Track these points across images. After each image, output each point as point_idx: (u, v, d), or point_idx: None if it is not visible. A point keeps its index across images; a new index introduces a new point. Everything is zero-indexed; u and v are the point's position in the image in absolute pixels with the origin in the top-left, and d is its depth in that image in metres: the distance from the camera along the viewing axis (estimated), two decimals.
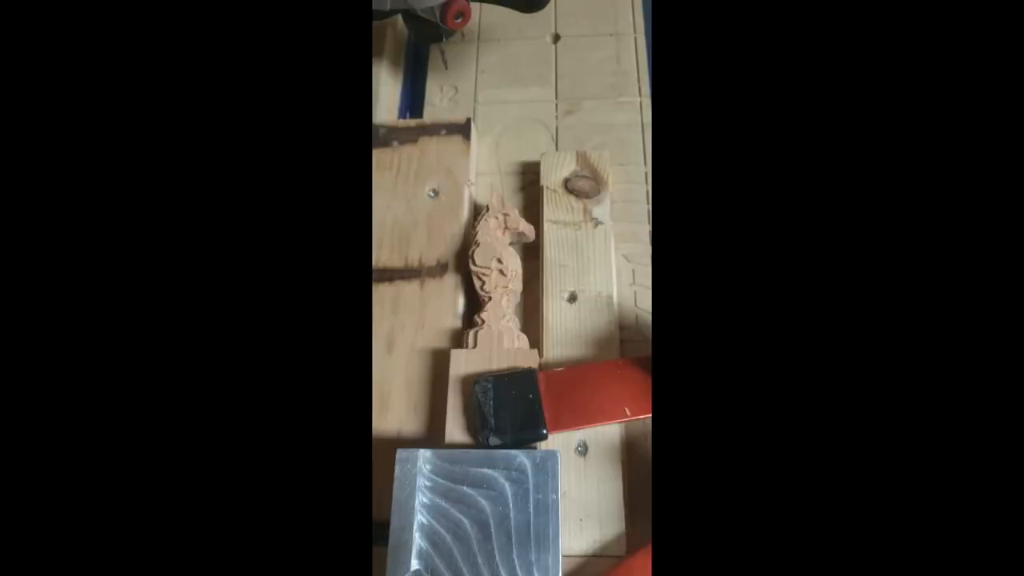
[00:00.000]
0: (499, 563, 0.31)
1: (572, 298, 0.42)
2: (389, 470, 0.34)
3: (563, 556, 0.34)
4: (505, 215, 0.43)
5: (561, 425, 0.35)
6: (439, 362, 0.41)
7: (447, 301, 0.43)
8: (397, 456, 0.33)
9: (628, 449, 0.39)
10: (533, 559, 0.31)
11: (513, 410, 0.35)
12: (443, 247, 0.44)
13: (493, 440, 0.34)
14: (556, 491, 0.32)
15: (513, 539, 0.32)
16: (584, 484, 0.37)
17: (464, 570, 0.31)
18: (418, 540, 0.32)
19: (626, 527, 0.36)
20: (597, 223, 0.44)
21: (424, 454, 0.33)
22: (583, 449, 0.38)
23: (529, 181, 0.49)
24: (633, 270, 0.45)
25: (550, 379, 0.36)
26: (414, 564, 0.32)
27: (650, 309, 0.43)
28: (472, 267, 0.41)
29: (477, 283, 0.41)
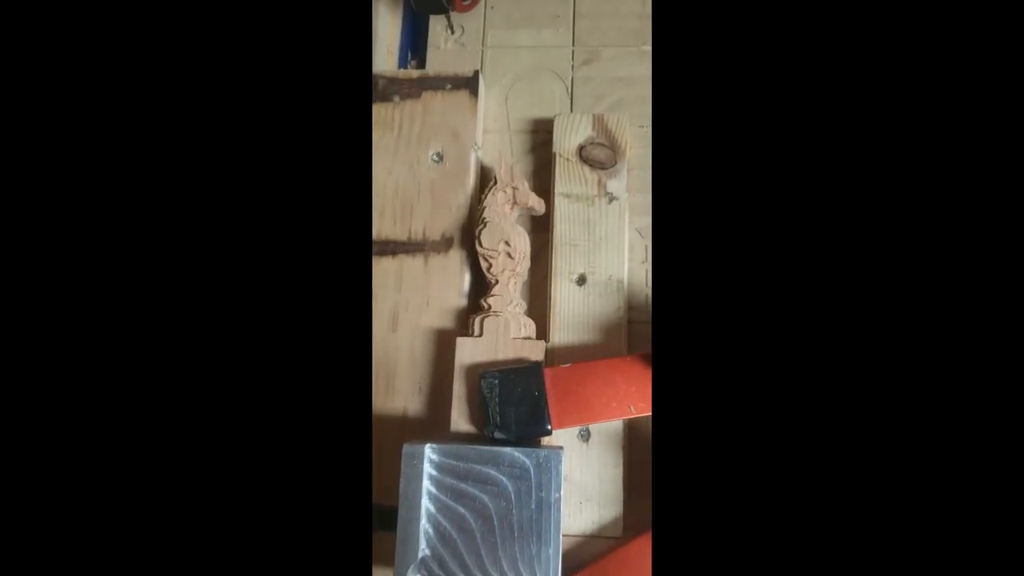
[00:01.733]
0: (501, 555, 0.33)
1: (581, 280, 0.41)
2: (396, 451, 0.34)
3: (562, 536, 0.35)
4: (514, 189, 0.41)
5: (566, 422, 0.35)
6: (444, 343, 0.40)
7: (452, 279, 0.41)
8: (403, 451, 0.34)
9: (629, 433, 0.39)
10: (534, 552, 0.33)
11: (518, 406, 0.35)
12: (448, 219, 0.42)
13: (498, 435, 0.35)
14: (559, 489, 0.33)
15: (515, 533, 0.33)
16: (586, 468, 0.38)
17: (468, 560, 0.33)
18: (425, 532, 0.33)
19: (624, 508, 0.38)
20: (612, 198, 0.41)
21: (429, 450, 0.34)
22: (586, 434, 0.39)
23: (540, 141, 0.46)
24: (647, 247, 0.43)
25: (556, 375, 0.36)
26: (421, 553, 0.33)
27: None
28: (478, 248, 0.39)
29: (483, 264, 0.40)
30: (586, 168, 0.42)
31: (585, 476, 0.38)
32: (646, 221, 0.44)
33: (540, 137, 0.46)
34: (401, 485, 0.34)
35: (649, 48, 0.47)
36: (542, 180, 0.45)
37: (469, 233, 0.42)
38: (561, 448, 0.34)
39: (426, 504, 0.34)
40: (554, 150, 0.43)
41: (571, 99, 0.47)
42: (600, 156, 0.42)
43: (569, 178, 0.42)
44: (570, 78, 0.47)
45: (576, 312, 0.40)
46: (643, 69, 0.46)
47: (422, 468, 0.34)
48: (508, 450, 0.34)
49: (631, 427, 0.39)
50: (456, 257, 0.42)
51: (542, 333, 0.41)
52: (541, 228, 0.44)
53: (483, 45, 0.48)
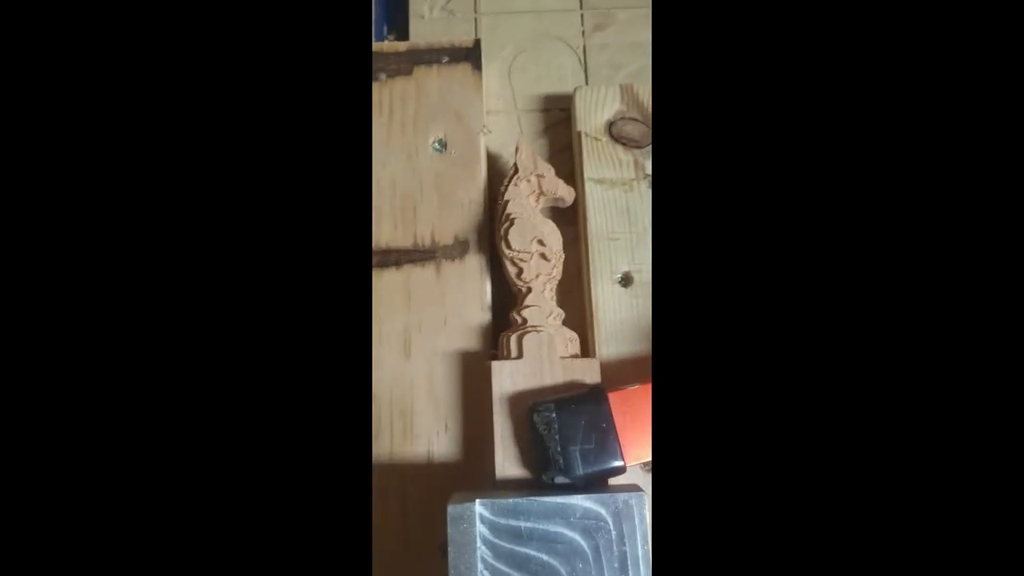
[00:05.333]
0: None
1: (626, 280, 0.35)
2: (424, 506, 0.28)
3: None
4: (539, 177, 0.34)
5: (640, 454, 0.29)
6: (471, 368, 0.33)
7: (472, 290, 0.34)
8: (449, 513, 0.27)
9: None
10: None
11: (583, 442, 0.28)
12: (459, 218, 0.35)
13: (560, 479, 0.28)
14: (647, 540, 0.27)
15: None
16: None
17: None
18: None
19: None
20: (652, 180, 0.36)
21: (480, 507, 0.27)
22: (648, 464, 0.33)
23: (555, 120, 0.40)
24: None
25: (623, 400, 0.29)
26: None
27: None
28: (505, 251, 0.33)
29: (512, 270, 0.33)
30: (619, 148, 0.36)
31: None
32: None
33: (554, 116, 0.40)
34: (451, 556, 0.27)
35: None
36: (561, 165, 0.38)
37: (485, 233, 0.35)
38: (640, 489, 0.28)
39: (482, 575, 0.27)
40: (577, 128, 0.36)
41: (585, 71, 0.40)
42: (634, 133, 0.36)
43: (599, 160, 0.36)
44: (581, 47, 0.41)
45: (624, 319, 0.34)
46: None
47: (475, 532, 0.27)
48: (579, 499, 0.27)
49: None
50: (474, 263, 0.35)
51: (584, 346, 0.34)
52: (567, 221, 0.37)
53: (476, 12, 0.41)
